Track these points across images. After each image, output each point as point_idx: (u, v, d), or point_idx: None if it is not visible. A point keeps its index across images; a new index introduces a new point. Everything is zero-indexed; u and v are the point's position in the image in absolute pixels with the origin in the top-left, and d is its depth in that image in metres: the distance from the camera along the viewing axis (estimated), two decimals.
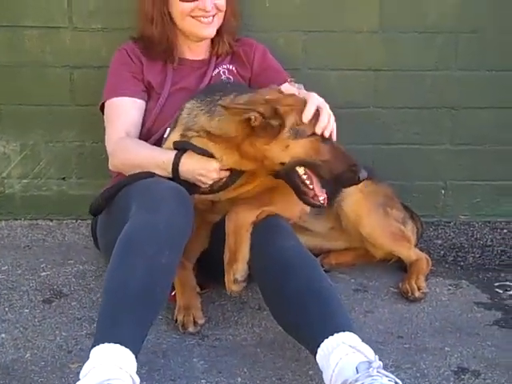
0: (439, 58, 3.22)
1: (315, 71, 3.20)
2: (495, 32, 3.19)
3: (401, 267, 2.86)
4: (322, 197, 2.28)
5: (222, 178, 2.34)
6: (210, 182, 2.33)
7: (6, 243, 3.11)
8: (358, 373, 1.82)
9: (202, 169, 2.32)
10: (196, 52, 2.77)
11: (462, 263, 3.01)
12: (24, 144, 3.28)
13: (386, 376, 1.81)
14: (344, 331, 1.96)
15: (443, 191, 3.40)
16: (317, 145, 2.21)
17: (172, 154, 2.37)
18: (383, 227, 2.82)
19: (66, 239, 3.18)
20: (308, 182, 2.25)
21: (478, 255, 3.08)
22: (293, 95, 2.30)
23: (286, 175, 2.26)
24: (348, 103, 3.24)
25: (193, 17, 2.64)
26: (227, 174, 2.32)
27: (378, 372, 1.82)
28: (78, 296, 2.64)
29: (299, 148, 2.21)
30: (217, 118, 2.32)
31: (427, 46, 3.20)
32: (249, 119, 2.19)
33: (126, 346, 1.84)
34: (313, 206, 2.33)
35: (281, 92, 2.33)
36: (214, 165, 2.31)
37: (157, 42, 2.70)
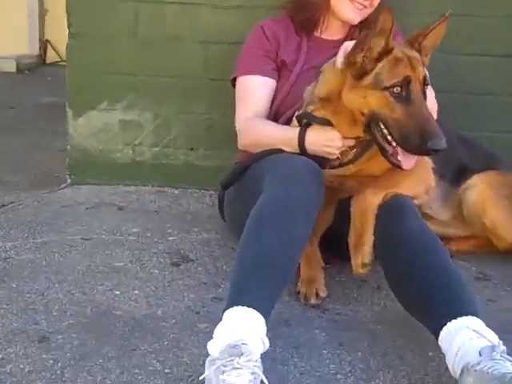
0: None
1: (448, 56, 3.15)
2: None
3: None
4: (399, 156, 2.24)
5: (349, 150, 2.37)
6: (337, 152, 2.38)
7: (136, 207, 3.28)
8: (480, 356, 1.82)
9: (326, 139, 2.37)
10: (333, 32, 2.82)
11: None
12: (157, 114, 3.44)
13: (510, 361, 1.81)
14: (468, 315, 1.96)
15: None
16: (389, 100, 2.20)
17: (297, 130, 2.44)
18: (507, 218, 2.78)
19: (190, 208, 3.32)
20: (390, 137, 2.24)
21: None
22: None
23: (369, 128, 2.26)
24: (476, 89, 3.23)
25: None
26: (351, 142, 2.34)
27: (501, 356, 1.81)
28: (204, 262, 2.75)
29: (374, 99, 2.22)
30: (321, 80, 2.40)
31: None
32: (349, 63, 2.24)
33: (258, 310, 1.93)
34: (391, 163, 2.29)
35: None
36: (335, 133, 2.35)
37: (309, 7, 2.74)
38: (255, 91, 2.76)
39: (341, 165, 2.45)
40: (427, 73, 2.32)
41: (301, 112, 2.49)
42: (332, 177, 2.47)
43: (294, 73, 2.76)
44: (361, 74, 2.25)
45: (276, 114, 2.76)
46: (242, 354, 1.79)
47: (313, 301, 2.45)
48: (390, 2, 2.88)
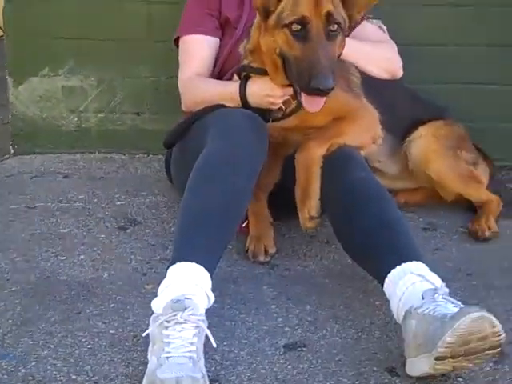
0: None
1: (392, 7, 3.12)
2: None
3: (471, 208, 2.83)
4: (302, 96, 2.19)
5: (291, 100, 2.35)
6: (279, 102, 2.35)
7: (82, 174, 3.22)
8: (423, 299, 1.84)
9: (267, 89, 2.34)
10: None
11: None
12: (101, 79, 3.36)
13: (452, 302, 1.82)
14: (412, 261, 1.97)
15: None
16: (288, 38, 2.19)
17: (238, 83, 2.41)
18: (452, 170, 2.78)
19: (138, 172, 3.28)
20: None
21: None
22: None
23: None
24: (426, 40, 3.21)
25: None
26: (291, 90, 2.29)
27: (443, 298, 1.83)
28: (152, 224, 2.72)
29: (278, 38, 2.21)
30: (251, 33, 2.39)
31: None
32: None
33: (202, 265, 1.90)
34: (300, 104, 2.25)
35: None
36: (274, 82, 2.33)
37: None
38: (198, 51, 2.71)
39: (284, 116, 2.42)
40: (344, 16, 2.25)
41: (239, 66, 2.46)
42: (276, 130, 2.44)
43: (239, 29, 2.71)
44: (267, 15, 2.25)
45: (221, 72, 2.72)
46: (186, 309, 1.77)
47: (261, 258, 2.44)
48: None
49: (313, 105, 2.19)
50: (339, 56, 2.31)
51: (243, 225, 2.55)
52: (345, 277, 2.36)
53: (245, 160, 2.13)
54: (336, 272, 2.41)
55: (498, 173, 3.15)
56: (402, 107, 2.81)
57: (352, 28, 2.31)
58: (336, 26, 2.21)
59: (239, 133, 2.17)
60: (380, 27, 2.79)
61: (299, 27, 2.17)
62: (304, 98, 2.18)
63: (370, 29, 2.71)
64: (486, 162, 2.96)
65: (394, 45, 2.74)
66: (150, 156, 3.40)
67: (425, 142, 2.78)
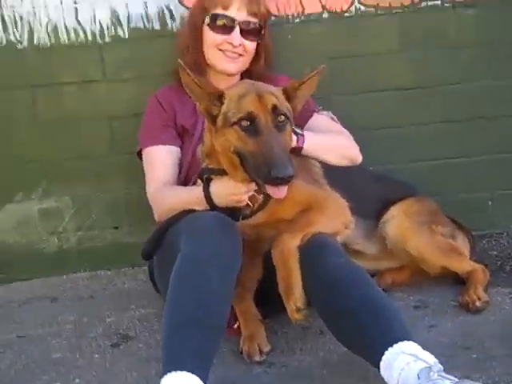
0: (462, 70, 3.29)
1: (342, 96, 3.27)
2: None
3: (459, 281, 2.84)
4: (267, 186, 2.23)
5: (256, 195, 2.40)
6: (244, 198, 2.40)
7: (70, 295, 3.21)
8: (419, 379, 1.84)
9: (229, 188, 2.40)
10: (222, 86, 2.81)
11: None
12: (74, 197, 3.40)
13: (448, 378, 1.83)
14: (402, 340, 1.98)
15: (490, 202, 3.41)
16: (240, 134, 2.26)
17: (201, 187, 2.47)
18: (430, 245, 2.81)
19: (125, 286, 3.28)
20: None
21: None
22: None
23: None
24: (381, 124, 3.32)
25: (220, 50, 2.77)
26: (254, 185, 2.34)
27: (438, 375, 1.84)
28: (144, 338, 2.70)
29: (230, 136, 2.28)
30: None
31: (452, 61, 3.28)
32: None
33: (192, 372, 1.90)
34: (265, 194, 2.31)
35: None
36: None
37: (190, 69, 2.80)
38: (160, 161, 2.80)
39: (253, 212, 2.46)
40: (289, 107, 2.36)
41: (199, 170, 2.53)
42: (248, 228, 2.48)
43: (196, 135, 2.80)
44: (213, 119, 2.34)
45: (186, 178, 2.79)
46: None
47: (257, 357, 2.43)
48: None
49: (277, 192, 2.23)
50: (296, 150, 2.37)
51: (235, 326, 2.55)
52: (343, 366, 2.34)
53: (214, 263, 2.15)
54: (333, 363, 2.39)
55: (478, 242, 3.20)
56: (369, 190, 2.88)
57: (294, 117, 2.41)
58: (283, 117, 2.30)
59: (206, 235, 2.21)
60: (332, 118, 2.90)
61: (248, 123, 2.26)
62: (268, 188, 2.23)
63: (323, 121, 2.82)
64: (463, 232, 3.01)
65: (348, 132, 2.85)
66: (135, 268, 3.40)
67: (398, 221, 2.82)
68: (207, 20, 2.79)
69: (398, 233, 2.80)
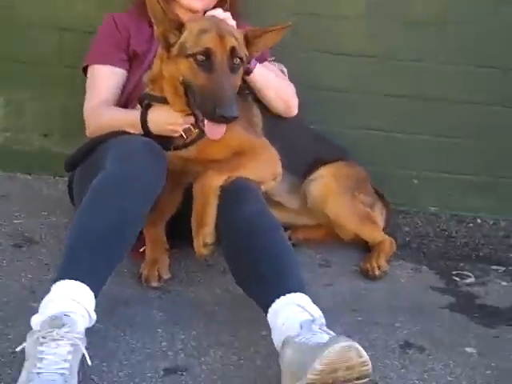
0: (422, 49, 3.29)
1: (302, 53, 3.28)
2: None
3: (367, 248, 2.92)
4: (205, 124, 2.26)
5: (192, 129, 2.42)
6: (180, 129, 2.41)
7: None
8: (301, 329, 1.89)
9: (167, 117, 2.40)
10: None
11: (425, 250, 3.11)
12: (9, 99, 3.35)
13: (327, 333, 1.88)
14: (295, 292, 2.03)
15: (416, 181, 3.49)
16: (193, 67, 2.29)
17: (139, 111, 2.46)
18: (348, 210, 2.87)
19: (42, 192, 3.25)
20: None
21: (441, 244, 3.18)
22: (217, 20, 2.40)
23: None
24: (329, 86, 3.33)
25: None
26: (192, 119, 2.36)
27: (319, 329, 1.89)
28: (48, 244, 2.70)
29: (182, 66, 2.31)
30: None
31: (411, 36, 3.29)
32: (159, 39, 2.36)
33: (85, 283, 1.91)
34: (202, 130, 2.32)
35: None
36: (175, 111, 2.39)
37: None
38: (104, 81, 2.76)
39: (185, 145, 2.47)
40: (246, 51, 2.38)
41: (141, 94, 2.51)
42: (176, 159, 2.48)
43: (147, 61, 2.76)
44: (168, 46, 2.35)
45: (127, 102, 2.76)
46: (63, 325, 1.78)
47: (154, 283, 2.46)
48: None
49: (214, 133, 2.26)
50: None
51: (140, 250, 2.57)
52: (235, 306, 2.39)
53: (139, 184, 2.15)
54: (227, 301, 2.44)
55: (396, 216, 3.28)
56: (304, 147, 2.92)
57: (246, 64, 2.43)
58: (239, 60, 2.32)
59: (136, 158, 2.20)
60: (281, 70, 2.90)
61: (204, 58, 2.27)
62: (207, 125, 2.25)
63: (273, 69, 2.81)
64: (383, 204, 3.08)
65: (293, 86, 2.86)
66: (57, 178, 3.37)
67: (324, 182, 2.86)
68: None
69: (321, 193, 2.85)
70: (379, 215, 3.03)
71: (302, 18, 3.22)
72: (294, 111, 2.82)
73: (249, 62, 2.48)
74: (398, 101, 3.36)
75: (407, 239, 3.19)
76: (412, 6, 3.25)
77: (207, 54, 2.27)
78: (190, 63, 2.28)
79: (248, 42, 2.40)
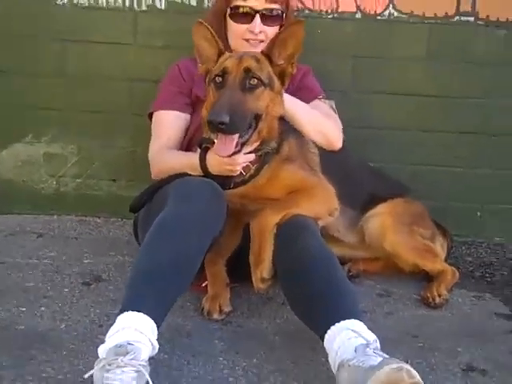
0: (484, 86, 3.36)
1: (361, 95, 3.38)
2: None
3: (428, 279, 2.92)
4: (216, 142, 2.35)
5: (250, 166, 2.50)
6: (239, 169, 2.48)
7: (56, 234, 3.34)
8: (355, 353, 1.92)
9: (226, 159, 2.45)
10: None
11: (488, 279, 3.08)
12: (80, 147, 3.55)
13: (381, 356, 1.90)
14: (350, 319, 2.06)
15: (479, 213, 3.48)
16: (213, 89, 2.43)
17: (198, 154, 2.56)
18: (407, 244, 2.90)
19: (110, 234, 3.40)
20: None
21: (506, 273, 3.14)
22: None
23: None
24: (391, 125, 3.42)
25: (244, 39, 2.84)
26: (251, 157, 2.45)
27: (374, 352, 1.91)
28: (116, 282, 2.81)
29: (209, 94, 2.46)
30: None
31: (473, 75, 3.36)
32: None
33: (148, 315, 2.00)
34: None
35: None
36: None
37: None
38: (168, 126, 2.89)
39: (244, 182, 2.55)
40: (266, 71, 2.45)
41: (200, 138, 2.61)
42: (235, 197, 2.56)
43: None
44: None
45: (190, 143, 2.88)
46: (128, 353, 1.86)
47: (215, 316, 2.53)
48: None
49: (220, 149, 2.34)
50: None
51: (203, 284, 2.65)
52: (295, 335, 2.42)
53: (198, 224, 2.24)
54: (287, 330, 2.48)
55: (459, 247, 3.31)
56: (362, 182, 2.97)
57: (288, 78, 2.53)
58: (256, 80, 2.40)
59: (197, 198, 2.30)
60: (331, 107, 2.96)
61: (221, 79, 2.40)
62: (217, 143, 2.35)
63: (322, 107, 2.87)
64: (444, 237, 3.09)
65: (340, 122, 2.88)
66: (124, 220, 3.52)
67: (381, 219, 2.91)
68: (229, 11, 2.87)
69: (379, 231, 2.90)
70: (439, 246, 3.04)
71: (361, 61, 3.36)
72: (337, 145, 2.80)
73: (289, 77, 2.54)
74: (459, 136, 3.44)
75: (470, 269, 3.17)
76: (473, 48, 3.36)
77: (223, 73, 2.40)
78: (212, 87, 2.42)
79: (271, 60, 2.47)
